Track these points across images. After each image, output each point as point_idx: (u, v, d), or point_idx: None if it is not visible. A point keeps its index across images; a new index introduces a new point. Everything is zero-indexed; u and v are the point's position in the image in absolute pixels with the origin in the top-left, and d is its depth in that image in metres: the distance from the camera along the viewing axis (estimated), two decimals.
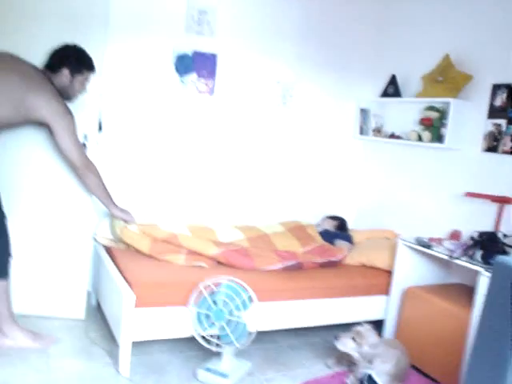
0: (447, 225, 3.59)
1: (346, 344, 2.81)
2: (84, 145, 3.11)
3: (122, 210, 3.20)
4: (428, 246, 3.16)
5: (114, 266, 3.09)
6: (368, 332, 2.80)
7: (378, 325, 3.41)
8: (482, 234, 2.98)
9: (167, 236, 3.25)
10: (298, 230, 3.90)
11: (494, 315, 1.95)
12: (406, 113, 4.07)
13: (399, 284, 3.36)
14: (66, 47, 2.88)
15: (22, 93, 2.61)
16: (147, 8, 3.59)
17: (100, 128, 3.28)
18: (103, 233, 3.43)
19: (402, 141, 3.98)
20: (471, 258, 2.92)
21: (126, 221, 3.22)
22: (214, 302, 2.80)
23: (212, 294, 2.82)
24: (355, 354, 2.80)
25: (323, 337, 3.47)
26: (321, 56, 4.24)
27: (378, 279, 3.48)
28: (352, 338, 2.80)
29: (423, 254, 3.33)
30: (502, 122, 3.26)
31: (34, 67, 2.79)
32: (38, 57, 2.90)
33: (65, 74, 2.83)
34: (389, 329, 3.41)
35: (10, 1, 2.96)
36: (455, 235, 3.38)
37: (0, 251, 2.75)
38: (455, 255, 2.96)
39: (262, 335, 3.21)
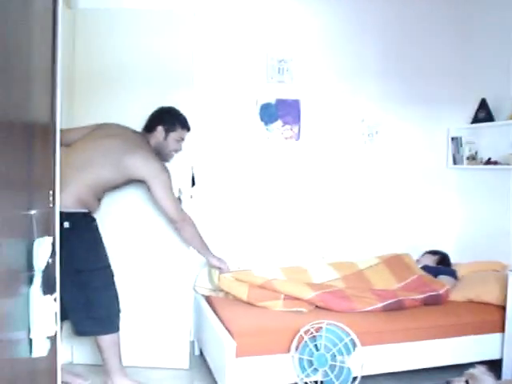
0: None
1: None
2: (179, 199, 3.26)
3: (219, 259, 3.28)
4: None
5: (215, 315, 3.15)
6: (483, 375, 2.58)
7: (494, 365, 3.17)
8: None
9: (263, 282, 3.27)
10: (393, 261, 3.74)
11: None
12: (501, 136, 3.87)
13: None
14: (161, 109, 3.11)
15: (121, 154, 2.82)
16: (228, 62, 3.77)
17: (193, 182, 3.43)
18: (202, 283, 3.52)
19: (499, 166, 3.78)
20: None
21: (220, 269, 3.30)
22: (316, 347, 2.76)
23: (313, 338, 2.78)
24: None
25: (434, 380, 3.25)
26: (404, 89, 4.18)
27: (490, 315, 3.25)
28: (465, 382, 2.60)
29: None
30: None
31: (133, 130, 3.02)
32: (134, 122, 3.13)
33: (159, 132, 3.02)
34: (508, 369, 3.15)
35: (104, 73, 3.24)
36: None
37: (110, 306, 2.91)
38: None
39: (367, 380, 3.08)
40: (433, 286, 3.44)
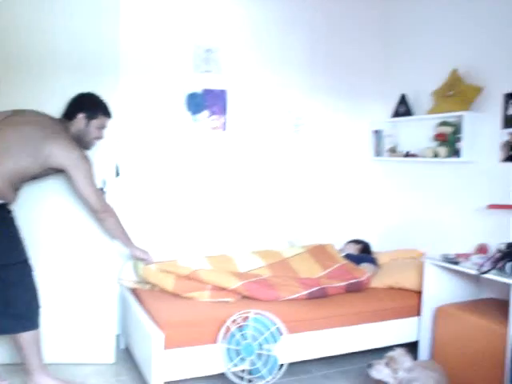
0: (473, 239, 3.53)
1: (380, 371, 2.73)
2: (102, 189, 3.16)
3: (142, 251, 3.22)
4: (456, 263, 3.11)
5: (141, 308, 3.09)
6: (402, 356, 2.72)
7: (412, 347, 3.33)
8: (509, 245, 2.92)
9: (188, 273, 3.24)
10: (317, 250, 3.84)
11: None
12: (419, 130, 4.06)
13: (430, 304, 3.29)
14: (81, 95, 2.97)
15: (40, 142, 2.68)
16: (155, 51, 3.69)
17: (117, 173, 3.34)
18: (127, 276, 3.44)
19: (418, 158, 3.96)
20: (501, 270, 2.86)
21: (145, 260, 3.24)
22: (243, 337, 2.77)
23: (240, 328, 2.80)
24: (391, 381, 2.72)
25: (357, 364, 3.39)
26: (329, 82, 4.29)
27: (408, 301, 3.41)
28: (386, 364, 2.72)
29: (451, 270, 3.27)
30: None
31: (51, 117, 2.87)
32: (56, 108, 2.99)
33: (80, 119, 2.90)
34: (424, 351, 3.33)
35: (22, 55, 3.07)
36: (482, 249, 3.32)
37: (29, 302, 2.78)
38: (484, 269, 2.90)
39: (294, 366, 3.15)
40: (355, 274, 3.56)
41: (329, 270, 3.62)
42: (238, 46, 3.94)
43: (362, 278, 3.54)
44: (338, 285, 3.42)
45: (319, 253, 3.82)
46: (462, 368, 2.96)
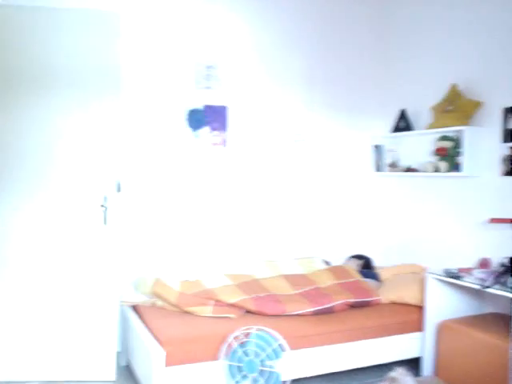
0: (475, 253, 3.52)
1: None
2: (103, 206, 3.16)
3: None
4: (458, 277, 3.09)
5: (142, 325, 3.07)
6: (403, 377, 2.67)
7: (415, 363, 3.31)
8: None
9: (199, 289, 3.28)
10: (335, 269, 3.89)
11: None
12: (419, 145, 4.07)
13: (432, 319, 3.27)
14: None
15: None
16: (156, 68, 3.71)
17: (118, 188, 3.34)
18: (128, 297, 3.42)
19: (418, 173, 3.96)
20: (504, 285, 2.85)
21: None
22: (245, 353, 2.75)
23: (242, 344, 2.78)
24: None
25: (360, 380, 3.35)
26: (329, 98, 4.31)
27: (410, 316, 3.39)
28: None
29: (454, 285, 3.25)
30: None
31: None
32: (57, 126, 3.00)
33: None
34: (427, 366, 3.30)
35: (24, 74, 3.09)
36: (484, 263, 3.31)
37: None
38: (487, 284, 2.88)
39: (296, 383, 3.12)
40: (367, 293, 3.55)
41: (342, 281, 3.64)
42: (238, 63, 3.97)
43: (374, 298, 3.53)
44: (348, 300, 3.41)
45: (337, 270, 3.86)
46: (466, 383, 2.94)
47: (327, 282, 3.65)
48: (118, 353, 3.51)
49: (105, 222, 3.19)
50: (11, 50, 3.08)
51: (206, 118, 3.86)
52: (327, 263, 4.08)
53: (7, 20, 3.06)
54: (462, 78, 3.66)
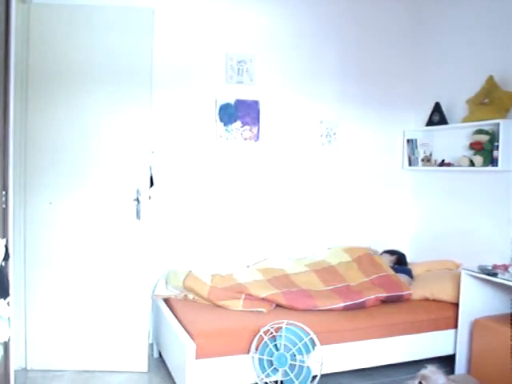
0: (509, 249, 3.43)
1: None
2: (137, 200, 3.21)
3: None
4: (493, 274, 3.03)
5: (174, 317, 3.12)
6: (435, 374, 2.64)
7: (448, 360, 3.26)
8: None
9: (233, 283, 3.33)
10: (365, 259, 3.83)
11: None
12: (454, 139, 3.99)
13: (467, 316, 3.21)
14: None
15: None
16: (188, 63, 3.74)
17: (152, 183, 3.38)
18: (160, 291, 3.47)
19: (453, 168, 3.89)
20: None
21: None
22: (276, 347, 2.76)
23: (273, 338, 2.79)
24: None
25: (391, 377, 3.32)
26: (362, 92, 4.26)
27: (444, 313, 3.34)
28: (419, 383, 2.65)
29: (488, 282, 3.19)
30: None
31: None
32: (89, 122, 3.06)
33: None
34: (461, 364, 3.25)
35: (60, 70, 3.15)
36: None
37: None
38: None
39: (326, 378, 3.11)
40: (399, 287, 3.50)
41: (373, 277, 3.60)
42: (269, 57, 3.96)
43: (405, 292, 3.49)
44: (379, 295, 3.38)
45: (366, 262, 3.80)
46: (500, 382, 2.87)
47: (358, 279, 3.61)
48: (150, 345, 3.57)
49: (138, 217, 3.24)
50: (49, 49, 3.14)
51: (238, 112, 3.87)
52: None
53: (45, 18, 3.13)
54: (498, 70, 3.56)
